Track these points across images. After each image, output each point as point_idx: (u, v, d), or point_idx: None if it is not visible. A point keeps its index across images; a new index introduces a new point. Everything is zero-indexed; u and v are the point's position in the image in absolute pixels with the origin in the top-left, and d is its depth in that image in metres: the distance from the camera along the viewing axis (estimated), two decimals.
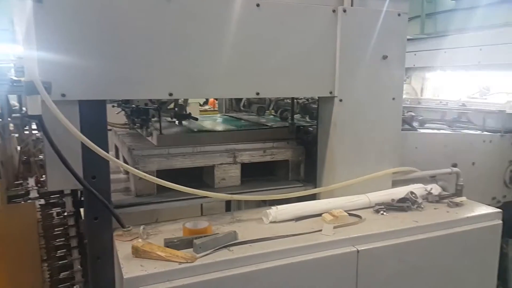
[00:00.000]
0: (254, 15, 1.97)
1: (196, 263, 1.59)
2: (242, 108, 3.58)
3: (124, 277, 1.48)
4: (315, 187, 2.37)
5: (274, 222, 2.01)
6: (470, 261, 2.13)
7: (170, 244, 1.70)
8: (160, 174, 2.08)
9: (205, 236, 1.73)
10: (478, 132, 3.09)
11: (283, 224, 2.00)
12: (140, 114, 2.53)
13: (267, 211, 2.03)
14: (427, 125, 3.20)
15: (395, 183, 2.49)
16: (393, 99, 2.36)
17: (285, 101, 3.21)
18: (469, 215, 2.17)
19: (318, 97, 2.36)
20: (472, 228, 2.11)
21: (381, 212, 2.16)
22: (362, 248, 1.84)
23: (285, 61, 2.07)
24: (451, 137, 2.88)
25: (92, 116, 1.77)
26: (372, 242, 1.89)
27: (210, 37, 1.89)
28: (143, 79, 1.82)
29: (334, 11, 2.14)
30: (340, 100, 2.22)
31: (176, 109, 2.76)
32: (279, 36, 2.04)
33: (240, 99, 3.59)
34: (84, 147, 1.75)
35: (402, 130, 2.58)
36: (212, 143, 2.36)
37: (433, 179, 2.71)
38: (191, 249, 1.67)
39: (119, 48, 1.75)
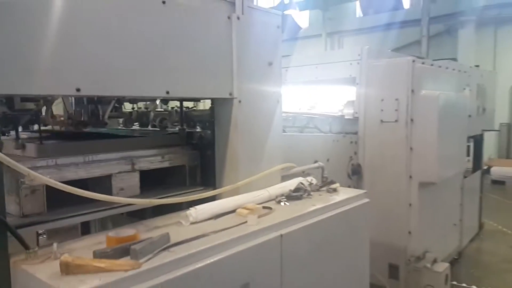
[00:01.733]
0: (160, 12, 1.94)
1: (143, 269, 1.44)
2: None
3: None
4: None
5: (195, 222, 1.96)
6: (351, 231, 2.50)
7: (103, 254, 1.49)
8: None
9: (139, 242, 1.58)
10: (328, 134, 3.64)
11: (204, 223, 1.97)
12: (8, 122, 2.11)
13: (187, 212, 1.97)
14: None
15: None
16: (277, 101, 2.61)
17: (160, 110, 3.14)
18: (348, 196, 2.55)
19: (214, 100, 2.43)
20: (352, 206, 2.50)
21: (283, 202, 2.35)
22: (284, 232, 1.98)
23: (191, 61, 2.08)
24: (311, 138, 3.33)
25: None
26: (290, 226, 2.04)
27: (116, 30, 1.77)
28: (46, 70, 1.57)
29: (229, 17, 2.27)
30: (239, 101, 2.34)
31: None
32: (185, 35, 2.05)
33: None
34: None
35: None
36: (105, 151, 2.15)
37: (304, 173, 3.06)
38: (127, 257, 1.51)
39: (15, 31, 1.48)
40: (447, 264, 3.82)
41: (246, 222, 1.95)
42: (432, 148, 3.54)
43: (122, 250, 1.53)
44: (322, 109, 4.03)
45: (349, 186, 3.79)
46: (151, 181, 2.40)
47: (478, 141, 6.36)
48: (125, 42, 1.80)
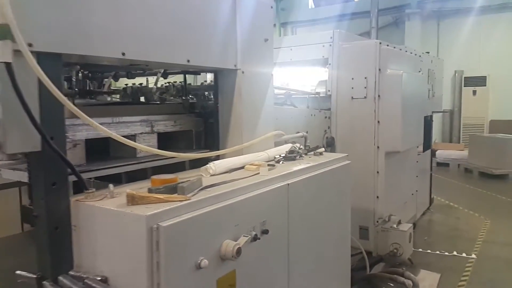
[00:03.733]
0: None
1: (192, 200, 1.73)
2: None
3: (146, 214, 1.51)
4: None
5: (214, 174, 2.26)
6: (339, 186, 2.90)
7: (157, 190, 1.76)
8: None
9: (182, 182, 1.86)
10: (306, 109, 4.02)
11: (222, 175, 2.27)
12: None
13: (207, 166, 2.26)
14: None
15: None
16: (271, 75, 2.94)
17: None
18: (334, 158, 2.94)
19: (218, 73, 2.70)
20: (339, 165, 2.89)
21: (281, 161, 2.69)
22: (291, 182, 2.32)
23: (206, 33, 2.36)
24: (293, 112, 3.69)
25: (52, 73, 1.64)
26: (294, 178, 2.39)
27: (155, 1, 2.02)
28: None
29: None
30: (243, 72, 2.64)
31: None
32: (202, 9, 2.32)
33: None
34: (43, 105, 1.61)
35: None
36: (128, 115, 2.38)
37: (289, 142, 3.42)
38: (176, 194, 1.78)
39: None
40: (410, 225, 4.35)
41: (259, 173, 2.28)
42: (396, 121, 4.02)
43: (171, 188, 1.80)
44: (298, 88, 4.40)
45: None
46: (163, 145, 2.64)
47: (428, 122, 7.01)
48: (161, 11, 2.05)
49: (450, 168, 11.63)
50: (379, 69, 4.03)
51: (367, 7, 13.98)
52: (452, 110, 13.35)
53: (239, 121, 2.67)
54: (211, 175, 2.25)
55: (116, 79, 3.38)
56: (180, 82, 3.29)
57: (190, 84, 3.22)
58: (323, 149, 3.11)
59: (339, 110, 4.27)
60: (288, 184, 2.30)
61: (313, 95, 4.26)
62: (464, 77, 13.20)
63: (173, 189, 1.79)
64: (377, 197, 4.19)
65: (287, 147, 2.92)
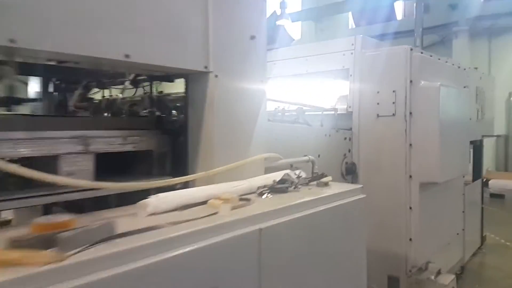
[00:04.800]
0: None
1: (68, 262, 1.08)
2: None
3: None
4: None
5: (155, 213, 1.60)
6: (344, 229, 2.15)
7: (21, 244, 1.13)
8: None
9: (71, 230, 1.22)
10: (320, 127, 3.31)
11: (166, 215, 1.62)
12: None
13: (145, 201, 1.62)
14: None
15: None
16: (261, 81, 2.28)
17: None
18: (341, 190, 2.21)
19: (189, 76, 2.09)
20: (345, 201, 2.15)
21: (266, 194, 2.00)
22: (266, 226, 1.62)
23: (158, 22, 1.75)
24: (301, 130, 2.99)
25: None
26: (272, 219, 1.68)
27: None
28: None
29: None
30: (216, 76, 2.01)
31: None
32: None
33: None
34: None
35: None
36: (52, 129, 1.79)
37: (292, 167, 2.72)
38: (54, 249, 1.14)
39: None
40: (453, 276, 3.47)
41: (217, 212, 1.60)
42: (434, 144, 3.22)
43: (47, 240, 1.16)
44: (313, 104, 3.71)
45: None
46: (114, 169, 2.05)
47: (478, 147, 6.07)
48: None
49: (506, 200, 10.30)
50: (411, 81, 3.28)
51: (411, 26, 13.11)
52: (507, 136, 12.02)
53: (210, 139, 2.03)
54: (150, 214, 1.59)
55: (87, 90, 2.85)
56: (160, 92, 2.70)
57: (167, 94, 2.62)
58: (330, 178, 2.38)
59: (362, 130, 3.53)
60: (260, 229, 1.60)
61: (329, 112, 3.54)
62: None
63: (50, 241, 1.15)
64: (410, 239, 3.35)
65: (278, 174, 2.22)
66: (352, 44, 3.55)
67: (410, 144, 3.30)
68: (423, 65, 3.36)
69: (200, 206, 1.74)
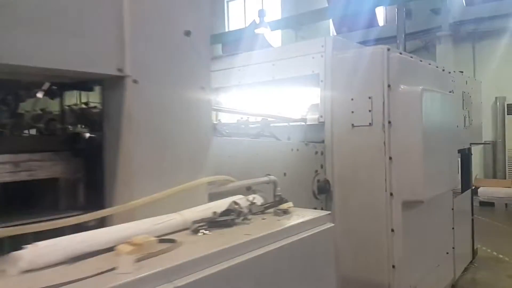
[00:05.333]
0: None
1: None
2: None
3: None
4: None
5: (31, 270, 1.15)
6: (309, 269, 1.72)
7: None
8: None
9: None
10: (286, 141, 2.89)
11: (48, 271, 1.17)
12: None
13: (15, 253, 1.17)
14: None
15: (210, 197, 1.95)
16: (202, 88, 1.86)
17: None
18: (302, 220, 1.78)
19: (105, 82, 1.66)
20: (309, 234, 1.72)
21: (202, 231, 1.56)
22: (181, 284, 1.18)
23: (46, 10, 1.32)
24: (262, 145, 2.56)
25: None
26: (194, 271, 1.24)
27: None
28: None
29: None
30: (135, 82, 1.57)
31: None
32: None
33: None
34: None
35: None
36: None
37: (250, 190, 2.30)
38: None
39: None
40: None
41: (114, 268, 1.15)
42: (416, 156, 2.83)
43: None
44: (281, 114, 3.30)
45: (315, 208, 3.02)
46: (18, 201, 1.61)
47: (466, 156, 5.70)
48: None
49: (496, 208, 9.98)
50: (389, 85, 2.89)
51: (393, 32, 12.90)
52: (494, 142, 11.75)
53: (128, 162, 1.59)
54: (23, 271, 1.14)
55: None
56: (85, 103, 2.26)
57: (93, 106, 2.17)
58: (290, 203, 1.96)
59: (335, 142, 3.11)
60: (176, 287, 1.16)
61: (298, 123, 3.13)
62: (507, 104, 11.66)
63: None
64: (393, 266, 2.93)
65: (223, 203, 1.78)
66: (322, 46, 3.15)
67: (390, 158, 2.89)
68: (402, 67, 2.97)
69: (104, 255, 1.30)
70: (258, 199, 2.00)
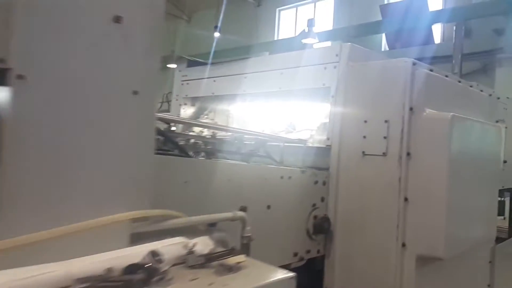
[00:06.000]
0: None
1: None
2: None
3: None
4: None
5: None
6: None
7: None
8: None
9: None
10: (278, 166, 2.39)
11: None
12: None
13: None
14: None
15: (147, 237, 1.49)
16: (135, 93, 1.41)
17: None
18: (253, 286, 1.28)
19: None
20: None
21: None
22: None
23: None
24: (238, 169, 2.07)
25: None
26: None
27: None
28: None
29: None
30: (20, 77, 1.16)
31: None
32: None
33: None
34: None
35: (168, 155, 1.67)
36: None
37: (213, 228, 1.82)
38: None
39: None
40: None
41: None
42: (439, 199, 2.22)
43: None
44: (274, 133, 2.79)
45: (308, 252, 2.49)
46: None
47: None
48: None
49: None
50: (411, 108, 2.31)
51: (450, 51, 12.00)
52: None
53: (7, 185, 1.17)
54: None
55: None
56: None
57: None
58: (241, 257, 1.46)
59: (342, 172, 2.56)
60: None
61: (295, 144, 2.61)
62: None
63: None
64: None
65: (142, 251, 1.32)
66: (337, 55, 2.62)
67: (406, 198, 2.30)
68: (431, 87, 2.38)
69: None
70: (204, 245, 1.52)
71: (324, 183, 2.57)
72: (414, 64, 2.34)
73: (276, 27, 18.23)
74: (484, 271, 3.33)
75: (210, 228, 1.80)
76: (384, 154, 2.38)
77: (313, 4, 17.18)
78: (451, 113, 2.26)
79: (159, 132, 1.88)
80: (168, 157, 1.75)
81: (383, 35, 14.78)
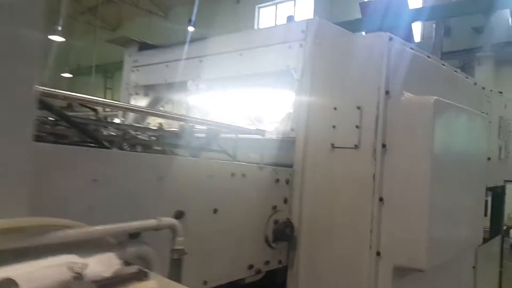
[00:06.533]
0: None
1: None
2: None
3: None
4: None
5: None
6: None
7: None
8: None
9: None
10: (231, 162, 1.99)
11: None
12: None
13: None
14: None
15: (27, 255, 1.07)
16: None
17: None
18: None
19: None
20: None
21: None
22: None
23: None
24: (173, 165, 1.66)
25: None
26: None
27: None
28: None
29: None
30: None
31: None
32: None
33: None
34: None
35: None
36: None
37: (132, 241, 1.41)
38: None
39: None
40: None
41: None
42: (420, 200, 1.86)
43: None
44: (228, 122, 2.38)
45: (267, 263, 2.09)
46: None
47: (498, 195, 4.61)
48: None
49: None
50: (387, 92, 1.94)
51: (429, 50, 11.85)
52: None
53: None
54: None
55: None
56: None
57: None
58: (152, 283, 1.06)
59: (308, 168, 2.18)
60: None
61: (252, 135, 2.22)
62: None
63: None
64: None
65: None
66: (303, 31, 2.23)
67: (381, 199, 1.94)
68: (410, 66, 2.02)
69: None
70: (104, 266, 1.11)
71: (287, 182, 2.19)
72: (390, 39, 1.98)
73: (255, 24, 17.88)
74: (468, 277, 3.00)
75: (128, 240, 1.40)
76: (356, 147, 2.01)
77: (293, 1, 16.89)
78: (434, 97, 1.90)
79: (51, 111, 1.46)
80: (64, 146, 1.33)
81: (363, 33, 14.61)
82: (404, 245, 1.89)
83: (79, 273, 1.03)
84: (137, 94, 3.32)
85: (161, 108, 3.23)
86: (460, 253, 2.54)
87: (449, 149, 2.05)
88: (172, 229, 1.44)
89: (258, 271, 2.02)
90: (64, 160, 1.30)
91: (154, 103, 3.38)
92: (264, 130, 2.25)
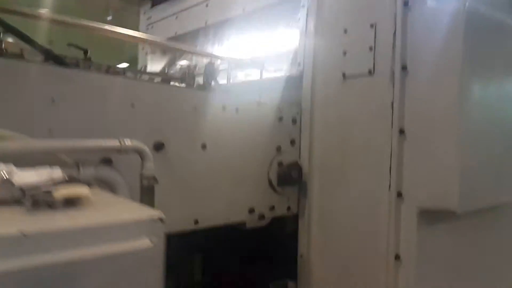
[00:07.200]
0: None
1: None
2: None
3: None
4: None
5: None
6: None
7: None
8: None
9: None
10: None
11: None
12: None
13: None
14: None
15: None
16: None
17: None
18: (93, 221, 0.70)
19: None
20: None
21: None
22: None
23: None
24: (148, 90, 1.44)
25: None
26: None
27: None
28: None
29: None
30: None
31: None
32: None
33: None
34: None
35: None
36: None
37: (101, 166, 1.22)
38: None
39: None
40: None
41: None
42: (450, 131, 1.55)
43: None
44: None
45: (272, 208, 1.86)
46: None
47: None
48: None
49: None
50: (406, 3, 1.62)
51: None
52: None
53: None
54: None
55: None
56: None
57: None
58: (85, 191, 0.86)
59: (318, 104, 1.91)
60: None
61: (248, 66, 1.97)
62: None
63: None
64: None
65: None
66: None
67: (402, 131, 1.64)
68: None
69: None
70: (36, 176, 0.92)
71: (294, 121, 1.92)
72: None
73: None
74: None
75: (90, 162, 1.20)
76: (371, 73, 1.71)
77: None
78: (466, 2, 1.56)
79: None
80: (18, 61, 1.15)
81: None
82: (431, 184, 1.58)
83: (7, 178, 0.86)
84: (153, 53, 3.15)
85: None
86: (504, 207, 2.18)
87: (486, 70, 1.70)
88: (140, 153, 1.23)
89: (262, 216, 1.79)
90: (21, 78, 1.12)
91: (171, 62, 3.19)
92: (263, 61, 1.99)
